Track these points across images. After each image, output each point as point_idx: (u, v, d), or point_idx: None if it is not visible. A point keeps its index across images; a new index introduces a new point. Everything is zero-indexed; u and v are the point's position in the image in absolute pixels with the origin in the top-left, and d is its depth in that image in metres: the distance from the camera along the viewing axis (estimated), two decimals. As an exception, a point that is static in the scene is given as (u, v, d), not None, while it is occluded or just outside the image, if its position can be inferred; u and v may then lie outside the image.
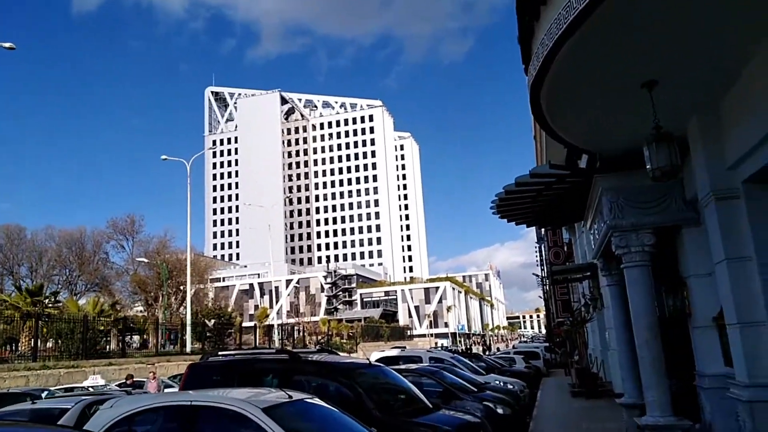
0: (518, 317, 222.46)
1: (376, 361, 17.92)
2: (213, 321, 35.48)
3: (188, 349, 33.52)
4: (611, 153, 7.18)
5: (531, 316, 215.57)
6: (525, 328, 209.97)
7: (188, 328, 33.12)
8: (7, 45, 23.96)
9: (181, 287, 61.63)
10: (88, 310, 30.78)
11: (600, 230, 8.20)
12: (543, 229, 34.46)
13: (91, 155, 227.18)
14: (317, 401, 5.54)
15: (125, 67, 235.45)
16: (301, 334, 51.38)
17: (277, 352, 7.69)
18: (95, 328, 27.23)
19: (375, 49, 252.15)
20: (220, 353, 8.37)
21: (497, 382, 15.98)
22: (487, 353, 24.60)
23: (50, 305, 29.11)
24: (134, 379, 18.51)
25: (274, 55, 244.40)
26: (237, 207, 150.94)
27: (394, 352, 18.17)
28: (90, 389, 11.94)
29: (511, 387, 16.01)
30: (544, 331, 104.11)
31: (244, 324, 65.50)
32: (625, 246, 7.36)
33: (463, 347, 61.41)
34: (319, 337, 60.10)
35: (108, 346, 29.08)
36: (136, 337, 43.59)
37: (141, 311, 60.94)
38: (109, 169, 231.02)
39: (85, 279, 63.42)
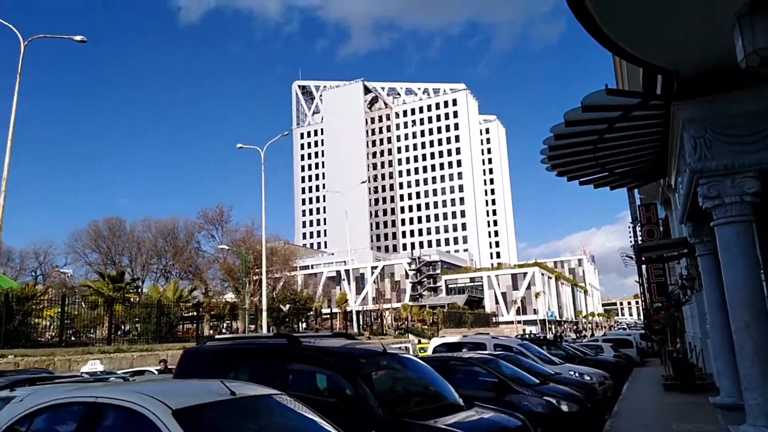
0: (615, 304, 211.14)
1: (436, 347, 16.55)
2: (288, 306, 35.44)
3: (264, 333, 33.74)
4: (694, 69, 5.29)
5: (629, 303, 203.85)
6: (622, 315, 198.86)
7: (264, 313, 33.24)
8: (78, 38, 24.66)
9: (267, 274, 63.25)
10: (168, 295, 31.58)
11: (683, 182, 6.27)
12: (637, 208, 31.36)
13: (189, 154, 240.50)
14: (282, 399, 4.26)
15: (225, 72, 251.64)
16: (379, 319, 50.72)
17: (276, 336, 6.49)
18: (171, 313, 27.71)
19: (463, 38, 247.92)
20: (217, 337, 7.32)
21: (571, 373, 14.05)
22: (563, 341, 22.36)
23: (131, 291, 30.11)
24: (167, 365, 18.00)
25: (364, 51, 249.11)
26: (325, 197, 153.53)
27: (455, 338, 16.65)
28: (84, 375, 11.36)
29: (588, 378, 14.02)
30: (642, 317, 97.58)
31: (334, 310, 66.17)
32: (716, 196, 5.45)
33: (545, 334, 58.28)
34: (400, 323, 59.36)
35: (186, 331, 29.60)
36: (223, 323, 44.94)
37: (232, 298, 63.08)
38: (205, 165, 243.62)
39: (179, 267, 66.40)
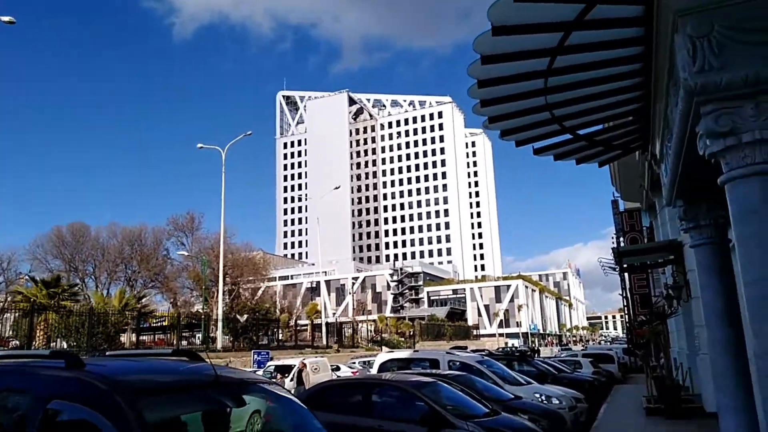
0: (600, 317, 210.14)
1: (383, 363, 14.31)
2: (246, 316, 32.96)
3: (219, 345, 31.19)
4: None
5: (614, 317, 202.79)
6: (607, 328, 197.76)
7: (219, 324, 30.75)
8: (6, 19, 22.52)
9: (237, 284, 60.58)
10: (114, 303, 29.01)
11: (676, 123, 4.14)
12: (620, 215, 29.52)
13: (171, 166, 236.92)
14: None
15: (216, 86, 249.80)
16: (352, 331, 48.28)
17: (52, 355, 4.18)
18: (111, 323, 25.16)
19: (454, 59, 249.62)
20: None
21: (537, 396, 11.88)
22: (536, 356, 20.11)
23: (67, 298, 27.50)
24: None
25: (356, 69, 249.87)
26: (306, 207, 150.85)
27: (405, 354, 14.39)
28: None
29: (557, 402, 11.86)
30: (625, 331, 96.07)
31: (304, 321, 63.43)
32: (729, 132, 3.33)
33: (526, 347, 56.20)
34: (376, 335, 56.93)
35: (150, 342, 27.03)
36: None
37: (204, 308, 60.36)
38: (184, 175, 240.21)
39: (145, 275, 63.48)
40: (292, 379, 19.82)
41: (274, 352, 31.24)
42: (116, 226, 67.70)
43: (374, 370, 13.78)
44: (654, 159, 6.49)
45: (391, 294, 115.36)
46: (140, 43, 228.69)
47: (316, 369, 23.09)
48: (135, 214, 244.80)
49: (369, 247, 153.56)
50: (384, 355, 13.93)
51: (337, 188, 70.59)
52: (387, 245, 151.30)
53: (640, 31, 4.04)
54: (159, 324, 37.67)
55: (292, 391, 17.53)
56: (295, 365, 22.55)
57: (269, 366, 24.29)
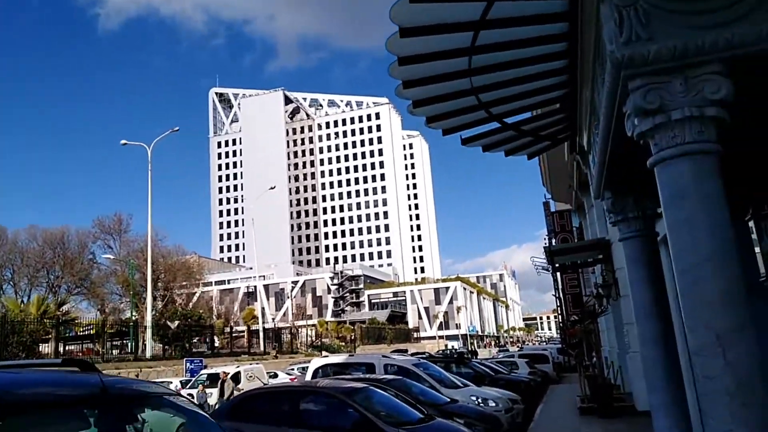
0: (535, 318, 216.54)
1: (317, 369, 13.80)
2: (177, 323, 31.50)
3: (149, 354, 29.65)
4: None
5: (548, 317, 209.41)
6: (542, 329, 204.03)
7: (148, 331, 29.22)
8: None
9: (170, 289, 58.21)
10: (31, 311, 27.00)
11: (601, 107, 3.91)
12: (552, 215, 30.18)
13: (94, 163, 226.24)
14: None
15: (145, 82, 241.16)
16: (290, 336, 47.28)
17: None
18: (26, 332, 23.36)
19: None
20: None
21: (474, 398, 11.70)
22: (474, 358, 20.12)
23: (-25, 306, 25.39)
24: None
25: (292, 68, 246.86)
26: (243, 209, 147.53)
27: (340, 358, 13.94)
28: None
29: (493, 405, 11.71)
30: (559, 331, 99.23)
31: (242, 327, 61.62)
32: (657, 109, 3.08)
33: (465, 349, 56.92)
34: (316, 340, 56.06)
35: (45, 351, 25.25)
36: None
37: (135, 315, 57.57)
38: (110, 176, 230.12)
39: (69, 281, 59.92)
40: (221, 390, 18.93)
41: (208, 360, 30.00)
42: (36, 228, 63.73)
43: (308, 377, 13.23)
44: (581, 152, 6.34)
45: (332, 298, 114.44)
46: (63, 35, 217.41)
47: (251, 377, 22.28)
48: (58, 216, 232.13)
49: (309, 250, 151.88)
50: (318, 361, 13.41)
51: (272, 188, 69.18)
52: (327, 248, 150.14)
53: (564, 5, 3.78)
54: (86, 332, 35.58)
55: (215, 403, 16.56)
56: (228, 373, 21.66)
57: (201, 375, 23.23)
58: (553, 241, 32.53)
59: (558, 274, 23.94)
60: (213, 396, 18.48)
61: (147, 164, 34.87)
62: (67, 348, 34.94)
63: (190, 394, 18.00)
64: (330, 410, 7.42)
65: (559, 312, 40.98)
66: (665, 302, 5.06)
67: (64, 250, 60.70)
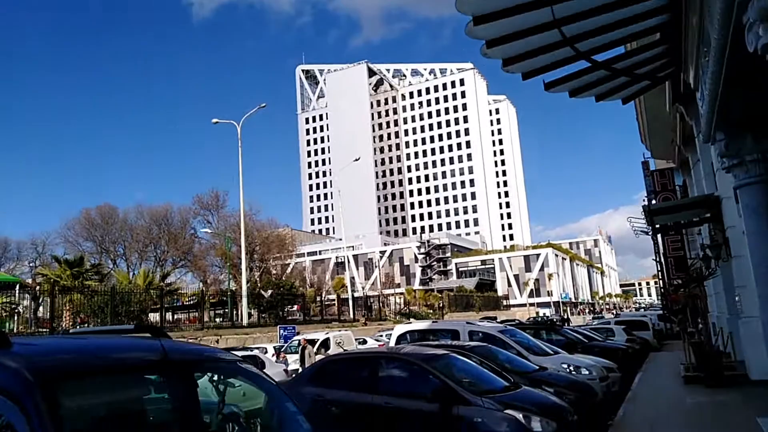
0: (633, 285, 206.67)
1: (400, 335, 13.71)
2: (270, 292, 32.79)
3: (245, 322, 31.14)
4: None
5: (648, 283, 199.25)
6: (641, 295, 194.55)
7: (244, 300, 30.63)
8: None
9: (264, 260, 60.84)
10: (138, 282, 29.08)
11: (712, 41, 3.25)
12: (652, 174, 28.16)
13: (194, 145, 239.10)
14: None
15: (237, 64, 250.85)
16: (379, 304, 47.99)
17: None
18: (134, 302, 25.17)
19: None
20: None
21: (564, 366, 11.12)
22: (567, 325, 19.13)
23: (92, 278, 27.64)
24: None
25: (376, 41, 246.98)
26: (331, 182, 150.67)
27: (423, 325, 13.72)
28: None
29: (587, 372, 11.08)
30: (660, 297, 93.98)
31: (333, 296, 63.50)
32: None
33: (558, 316, 55.21)
34: (403, 308, 56.64)
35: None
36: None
37: (233, 286, 60.94)
38: (208, 154, 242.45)
39: (174, 254, 64.17)
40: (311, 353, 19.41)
41: (301, 327, 31.10)
42: (143, 207, 68.52)
43: (392, 343, 13.19)
44: (686, 93, 5.54)
45: (419, 267, 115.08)
46: (160, 23, 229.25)
47: (339, 342, 22.75)
48: (160, 194, 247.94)
49: (395, 220, 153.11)
50: (401, 327, 13.31)
51: (356, 160, 69.69)
52: (413, 218, 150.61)
53: None
54: (191, 302, 38.02)
55: (292, 370, 16.89)
56: (309, 340, 22.25)
57: (294, 340, 24.03)
58: (653, 201, 30.43)
59: (659, 236, 22.28)
60: (293, 363, 18.92)
61: (244, 141, 36.08)
62: (174, 317, 37.58)
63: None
64: (410, 377, 7.22)
65: (660, 277, 38.59)
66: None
67: (168, 226, 64.95)
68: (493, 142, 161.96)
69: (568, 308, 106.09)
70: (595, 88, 5.45)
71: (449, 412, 6.46)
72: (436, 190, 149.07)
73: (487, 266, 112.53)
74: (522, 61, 4.74)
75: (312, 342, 20.17)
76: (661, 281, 43.93)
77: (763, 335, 4.39)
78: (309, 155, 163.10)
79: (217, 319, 38.34)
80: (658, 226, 16.28)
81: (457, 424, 6.40)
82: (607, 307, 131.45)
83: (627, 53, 5.06)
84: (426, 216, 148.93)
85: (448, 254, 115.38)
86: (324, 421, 7.43)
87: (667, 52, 4.92)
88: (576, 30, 4.39)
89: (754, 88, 3.42)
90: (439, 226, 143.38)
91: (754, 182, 4.46)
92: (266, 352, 22.40)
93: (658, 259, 36.11)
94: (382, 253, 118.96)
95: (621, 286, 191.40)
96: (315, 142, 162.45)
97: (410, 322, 16.79)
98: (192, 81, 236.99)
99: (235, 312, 31.99)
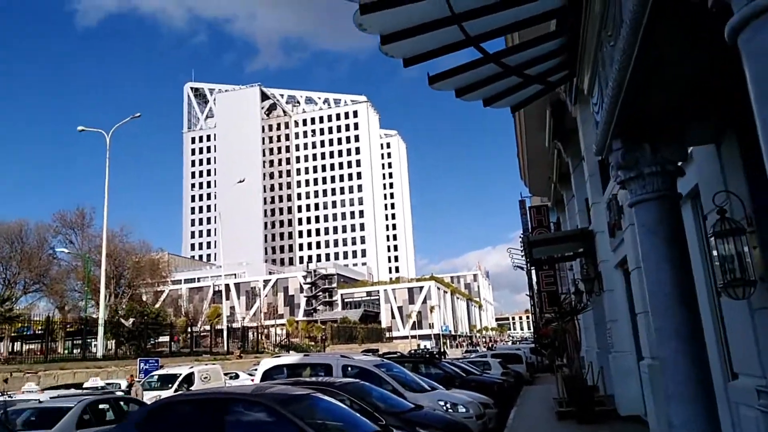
0: (508, 318, 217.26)
1: (266, 371, 12.37)
2: (132, 320, 29.60)
3: (100, 353, 27.76)
4: None
5: (521, 318, 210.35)
6: (515, 329, 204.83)
7: (100, 329, 27.32)
8: None
9: (132, 286, 55.82)
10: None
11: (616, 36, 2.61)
12: (528, 210, 29.23)
13: (64, 157, 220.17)
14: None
15: (125, 82, 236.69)
16: (256, 336, 45.54)
17: None
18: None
19: (371, 61, 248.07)
20: None
21: (441, 404, 10.41)
22: (443, 358, 18.68)
23: None
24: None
25: (273, 68, 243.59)
26: (216, 206, 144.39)
27: (293, 359, 12.47)
28: None
29: (463, 410, 10.44)
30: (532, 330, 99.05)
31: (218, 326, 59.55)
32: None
33: (438, 349, 55.88)
34: (284, 340, 54.38)
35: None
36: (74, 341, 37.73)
37: (92, 313, 55.00)
38: (78, 172, 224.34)
39: (26, 277, 56.95)
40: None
41: (167, 360, 28.30)
42: (-8, 223, 60.40)
43: (257, 379, 11.79)
44: (578, 95, 5.04)
45: (305, 297, 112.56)
46: (40, 27, 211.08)
47: (206, 378, 20.67)
48: (17, 210, 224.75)
49: (282, 248, 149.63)
50: (269, 361, 11.93)
51: (241, 181, 66.98)
52: (301, 246, 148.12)
53: None
54: (43, 331, 33.50)
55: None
56: (181, 374, 20.11)
57: (152, 375, 21.54)
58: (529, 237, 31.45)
59: (534, 270, 22.82)
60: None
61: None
62: (25, 346, 32.81)
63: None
64: (262, 424, 6.02)
65: (533, 311, 40.07)
66: (691, 284, 3.82)
67: (22, 245, 57.85)
68: (384, 175, 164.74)
69: (448, 340, 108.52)
70: (482, 88, 4.81)
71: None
72: (326, 219, 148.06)
73: (372, 297, 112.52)
74: (404, 39, 3.92)
75: (171, 378, 18.05)
76: (534, 315, 45.81)
77: (665, 375, 3.78)
78: (193, 176, 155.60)
79: (76, 351, 34.07)
80: (535, 258, 16.42)
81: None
82: (484, 339, 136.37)
83: (516, 46, 4.47)
84: (314, 245, 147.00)
85: (335, 284, 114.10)
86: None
87: (562, 49, 4.38)
88: (464, 6, 3.66)
89: (661, 82, 2.82)
90: (327, 256, 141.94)
91: (651, 198, 3.97)
92: (119, 388, 19.93)
93: (531, 294, 37.51)
94: (266, 282, 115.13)
95: (497, 319, 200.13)
96: (200, 163, 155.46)
97: (279, 355, 15.42)
98: (67, 90, 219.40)
99: (85, 343, 28.42)
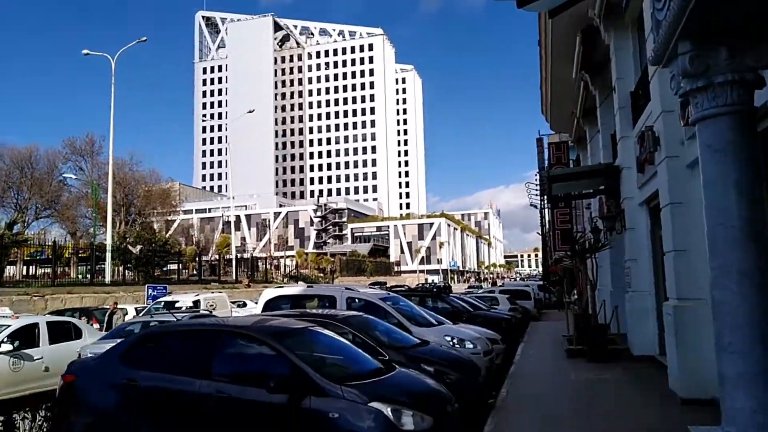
0: (516, 256, 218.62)
1: (268, 302, 12.01)
2: (139, 248, 29.56)
3: (107, 279, 27.92)
4: None
5: (529, 255, 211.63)
6: (523, 266, 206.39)
7: (108, 255, 27.33)
8: None
9: (142, 214, 56.00)
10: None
11: None
12: (547, 146, 28.28)
13: (75, 81, 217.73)
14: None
15: (134, 8, 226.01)
16: (265, 266, 45.81)
17: None
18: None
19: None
20: None
21: (448, 339, 10.03)
22: (449, 293, 18.34)
23: None
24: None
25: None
26: (227, 137, 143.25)
27: (295, 290, 12.11)
28: None
29: (470, 346, 10.06)
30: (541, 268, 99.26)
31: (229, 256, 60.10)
32: None
33: (444, 283, 56.14)
34: (293, 271, 54.85)
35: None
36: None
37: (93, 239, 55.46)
38: (87, 97, 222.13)
39: (37, 202, 57.23)
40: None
41: (176, 287, 28.43)
42: (2, 147, 60.15)
43: (258, 310, 11.47)
44: (614, 24, 4.17)
45: (315, 230, 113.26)
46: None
47: (212, 306, 20.62)
48: (26, 135, 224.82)
49: (293, 181, 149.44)
50: (270, 292, 11.54)
51: (250, 112, 65.50)
52: (312, 180, 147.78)
53: None
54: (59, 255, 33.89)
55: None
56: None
57: (158, 302, 21.54)
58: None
59: (549, 207, 22.16)
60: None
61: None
62: (39, 270, 33.21)
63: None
64: (255, 358, 5.58)
65: (544, 248, 39.61)
66: (764, 217, 3.14)
67: (33, 170, 57.74)
68: (398, 111, 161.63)
69: (456, 276, 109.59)
70: None
71: (299, 406, 4.92)
72: (337, 153, 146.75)
73: (382, 233, 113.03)
74: None
75: (172, 304, 17.90)
76: (543, 252, 45.42)
77: (715, 321, 3.17)
78: (204, 107, 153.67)
79: (89, 276, 34.46)
80: (554, 195, 15.71)
81: (308, 420, 4.88)
82: (491, 276, 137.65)
83: None
84: (325, 179, 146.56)
85: (345, 219, 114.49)
86: (134, 417, 5.63)
87: None
88: None
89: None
90: (338, 190, 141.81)
91: (722, 113, 3.26)
92: (126, 314, 19.94)
93: (543, 232, 36.88)
94: (277, 214, 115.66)
95: (505, 257, 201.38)
96: (212, 94, 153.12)
97: (281, 286, 15.10)
98: (77, 15, 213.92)
99: (94, 268, 28.54)
